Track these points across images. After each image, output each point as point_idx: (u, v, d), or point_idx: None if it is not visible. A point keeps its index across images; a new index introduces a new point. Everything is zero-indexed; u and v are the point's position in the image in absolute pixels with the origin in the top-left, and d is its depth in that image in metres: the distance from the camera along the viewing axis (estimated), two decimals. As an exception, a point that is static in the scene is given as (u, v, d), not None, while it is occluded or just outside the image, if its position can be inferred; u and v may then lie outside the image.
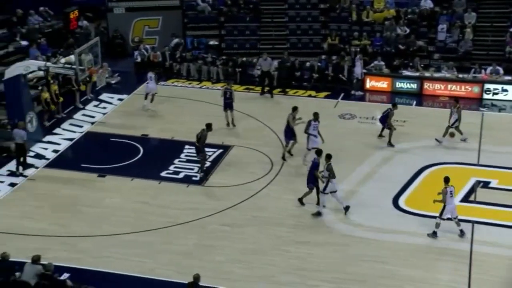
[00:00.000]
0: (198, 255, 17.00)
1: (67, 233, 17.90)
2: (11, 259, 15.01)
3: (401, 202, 19.55)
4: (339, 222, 18.56)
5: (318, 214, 18.72)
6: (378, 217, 18.66)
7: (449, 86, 27.64)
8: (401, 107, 26.21)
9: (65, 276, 15.49)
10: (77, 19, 31.73)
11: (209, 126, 20.97)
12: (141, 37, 32.41)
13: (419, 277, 16.26)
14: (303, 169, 21.04)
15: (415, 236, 17.80)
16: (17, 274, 14.62)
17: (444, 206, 17.50)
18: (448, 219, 17.62)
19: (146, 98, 26.13)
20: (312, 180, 18.76)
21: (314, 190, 18.88)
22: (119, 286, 15.88)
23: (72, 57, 23.28)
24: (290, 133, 21.68)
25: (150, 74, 26.31)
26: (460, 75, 28.12)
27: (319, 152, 19.15)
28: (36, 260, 14.64)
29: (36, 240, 17.51)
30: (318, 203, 18.89)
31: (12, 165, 21.50)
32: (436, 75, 28.41)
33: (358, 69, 27.73)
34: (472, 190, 20.08)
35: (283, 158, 21.77)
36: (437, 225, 17.64)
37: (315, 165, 18.72)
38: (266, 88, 27.77)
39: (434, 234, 17.65)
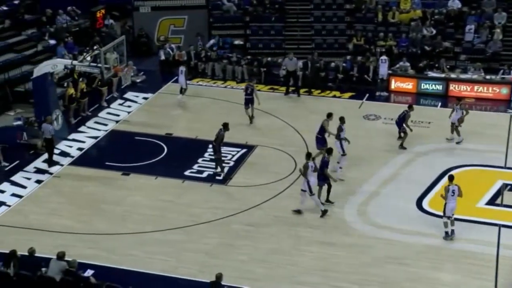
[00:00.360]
0: (221, 254, 17.02)
1: (91, 231, 18.03)
2: (37, 254, 15.18)
3: (425, 203, 19.39)
4: (362, 223, 18.47)
5: (325, 212, 18.66)
6: (402, 219, 18.53)
7: (475, 88, 27.35)
8: (426, 108, 26.22)
9: (88, 273, 15.60)
10: (104, 18, 31.98)
11: (225, 126, 20.94)
12: (166, 36, 32.54)
13: (445, 280, 16.12)
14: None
15: (440, 238, 17.60)
16: (43, 269, 14.79)
17: (445, 204, 17.34)
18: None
19: (180, 92, 26.61)
20: (322, 178, 18.84)
21: (325, 187, 19.01)
22: (142, 284, 15.90)
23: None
24: (322, 140, 21.12)
25: (181, 68, 26.70)
26: (488, 77, 27.77)
27: (329, 150, 19.20)
28: (61, 256, 14.76)
29: (61, 236, 17.68)
30: (327, 200, 19.08)
31: (38, 163, 21.75)
32: (462, 76, 28.10)
33: (383, 70, 27.57)
34: (498, 193, 19.84)
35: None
36: (445, 225, 17.47)
37: (325, 164, 18.81)
38: (291, 88, 27.72)
39: (446, 235, 17.48)
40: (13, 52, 27.47)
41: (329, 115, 21.26)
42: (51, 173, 21.20)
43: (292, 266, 16.57)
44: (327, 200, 19.13)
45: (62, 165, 21.76)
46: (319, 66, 28.37)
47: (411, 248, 17.30)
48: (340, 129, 20.83)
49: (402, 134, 22.62)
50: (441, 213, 17.82)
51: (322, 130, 21.10)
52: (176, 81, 27.41)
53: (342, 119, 21.00)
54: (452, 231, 17.51)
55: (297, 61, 27.71)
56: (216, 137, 20.82)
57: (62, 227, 18.17)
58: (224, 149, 22.27)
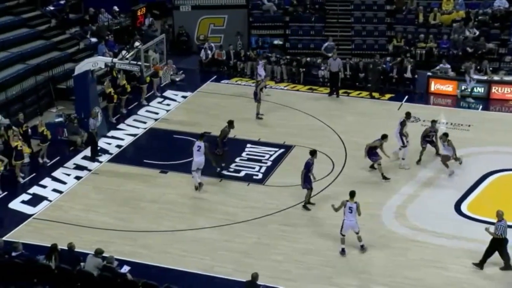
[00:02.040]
0: (257, 254, 17.03)
1: (128, 228, 18.22)
2: (76, 249, 15.39)
3: (464, 207, 19.13)
4: (399, 225, 18.29)
5: (199, 185, 19.80)
6: (440, 222, 18.29)
7: (520, 91, 26.89)
8: (466, 111, 25.86)
9: (125, 269, 15.76)
10: (144, 16, 32.35)
11: (230, 123, 21.01)
12: (206, 35, 32.70)
13: (482, 285, 15.86)
14: (364, 172, 20.89)
15: (478, 242, 17.23)
16: (82, 264, 15.02)
17: (343, 221, 16.85)
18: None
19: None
20: (306, 180, 18.78)
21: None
22: (179, 282, 15.89)
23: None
24: (375, 154, 20.41)
25: (260, 61, 27.72)
26: (536, 79, 27.18)
27: (313, 152, 19.05)
28: (99, 253, 14.96)
29: (99, 233, 17.90)
30: (308, 202, 19.07)
31: (78, 159, 22.09)
32: (506, 78, 27.56)
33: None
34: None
35: (372, 167, 20.99)
36: (342, 241, 16.96)
37: (307, 166, 18.76)
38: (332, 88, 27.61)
39: (343, 252, 16.95)
40: (58, 50, 28.01)
41: (384, 137, 20.53)
42: (90, 170, 21.49)
43: (328, 267, 16.51)
44: (308, 202, 19.05)
45: (100, 162, 22.02)
46: (381, 69, 28.07)
47: (449, 252, 17.07)
48: (403, 124, 21.29)
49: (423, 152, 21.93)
50: (481, 217, 17.55)
51: (375, 148, 20.52)
52: (215, 80, 27.42)
53: (408, 115, 21.61)
54: (362, 246, 17.04)
55: (340, 61, 27.52)
56: (220, 133, 20.91)
57: (101, 223, 18.40)
58: (262, 148, 22.42)
